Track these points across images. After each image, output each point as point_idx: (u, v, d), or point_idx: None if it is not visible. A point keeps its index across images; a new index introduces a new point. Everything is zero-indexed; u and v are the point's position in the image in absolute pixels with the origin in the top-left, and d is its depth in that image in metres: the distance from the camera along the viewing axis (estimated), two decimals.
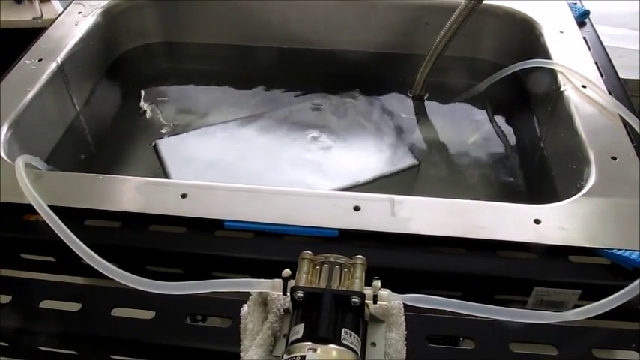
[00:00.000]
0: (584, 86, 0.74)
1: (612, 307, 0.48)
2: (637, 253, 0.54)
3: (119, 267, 0.51)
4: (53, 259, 0.59)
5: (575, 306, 0.55)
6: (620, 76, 0.80)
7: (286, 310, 0.48)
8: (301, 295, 0.43)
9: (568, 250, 0.55)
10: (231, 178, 0.80)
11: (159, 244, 0.57)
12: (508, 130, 0.89)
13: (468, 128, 0.90)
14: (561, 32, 0.85)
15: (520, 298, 0.56)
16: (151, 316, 0.52)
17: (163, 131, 0.90)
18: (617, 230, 0.56)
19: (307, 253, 0.46)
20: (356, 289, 0.43)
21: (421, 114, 0.93)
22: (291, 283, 0.45)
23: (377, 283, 0.45)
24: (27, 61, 0.79)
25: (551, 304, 0.56)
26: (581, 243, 0.55)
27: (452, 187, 0.83)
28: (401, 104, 0.94)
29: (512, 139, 0.87)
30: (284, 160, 0.83)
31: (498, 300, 0.56)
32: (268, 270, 0.51)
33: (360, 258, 0.46)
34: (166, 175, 0.79)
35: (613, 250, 0.55)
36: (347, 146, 0.86)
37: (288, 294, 0.44)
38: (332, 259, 0.46)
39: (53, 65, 0.79)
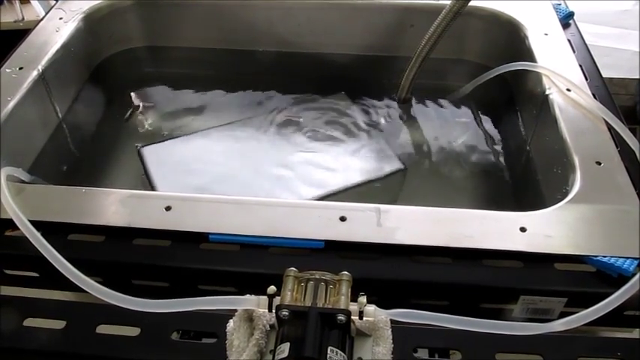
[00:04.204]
0: (568, 90, 0.74)
1: (597, 316, 0.49)
2: (622, 260, 0.54)
3: (104, 282, 0.51)
4: (37, 275, 0.58)
5: (562, 313, 0.55)
6: (604, 75, 0.80)
7: (272, 326, 0.47)
8: (286, 313, 0.43)
9: (554, 257, 0.56)
10: (216, 185, 0.79)
11: (143, 259, 0.57)
12: (494, 133, 0.89)
13: (454, 131, 0.90)
14: (546, 34, 0.85)
15: (507, 307, 0.56)
16: (137, 333, 0.51)
17: (147, 137, 0.89)
18: (602, 237, 0.57)
19: (292, 271, 0.46)
20: (341, 307, 0.43)
21: (407, 117, 0.93)
22: (277, 300, 0.44)
23: (362, 299, 0.44)
24: (7, 70, 0.78)
25: (538, 312, 0.56)
26: (566, 251, 0.56)
27: (439, 191, 0.83)
28: (387, 107, 0.94)
29: (498, 142, 0.88)
30: (269, 166, 0.83)
31: (485, 309, 0.57)
32: (254, 283, 0.51)
33: (345, 274, 0.45)
34: (150, 183, 0.79)
35: (598, 258, 0.55)
36: (333, 150, 0.86)
37: (274, 311, 0.44)
38: (317, 276, 0.45)
39: (34, 73, 0.78)
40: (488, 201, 0.80)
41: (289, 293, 0.44)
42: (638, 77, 1.32)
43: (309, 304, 0.44)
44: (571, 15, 0.90)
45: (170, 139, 0.86)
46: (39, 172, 0.74)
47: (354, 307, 0.44)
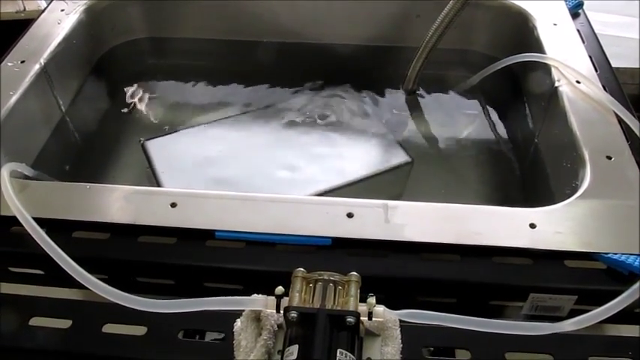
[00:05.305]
0: (578, 82, 0.73)
1: (608, 315, 0.48)
2: (633, 257, 0.53)
3: (109, 279, 0.50)
4: (42, 273, 0.58)
5: (572, 311, 0.55)
6: (614, 65, 0.78)
7: (280, 326, 0.47)
8: (295, 315, 0.42)
9: (564, 254, 0.55)
10: (222, 179, 0.78)
11: (149, 256, 0.56)
12: (502, 126, 0.88)
13: (461, 123, 0.89)
14: (555, 24, 0.84)
15: (516, 304, 0.55)
16: (143, 332, 0.51)
17: (151, 130, 0.88)
18: (613, 234, 0.56)
19: (300, 271, 0.45)
20: (350, 309, 0.42)
21: (413, 109, 0.92)
22: (285, 301, 0.44)
23: (372, 300, 0.44)
24: (9, 64, 0.77)
25: (548, 309, 0.55)
26: (576, 248, 0.55)
27: (445, 184, 0.82)
28: (393, 99, 0.93)
29: (506, 135, 0.87)
30: (275, 160, 0.82)
31: (494, 306, 0.56)
32: (261, 280, 0.50)
33: (354, 275, 0.45)
34: (155, 178, 0.78)
35: (609, 255, 0.54)
36: (338, 143, 0.85)
37: (282, 312, 0.44)
38: (326, 277, 0.45)
39: (36, 67, 0.77)
40: (496, 194, 0.80)
41: (297, 294, 0.44)
42: None
43: (318, 306, 0.43)
44: (580, 4, 0.88)
45: (175, 132, 0.85)
46: (42, 166, 0.73)
47: (363, 308, 0.44)
